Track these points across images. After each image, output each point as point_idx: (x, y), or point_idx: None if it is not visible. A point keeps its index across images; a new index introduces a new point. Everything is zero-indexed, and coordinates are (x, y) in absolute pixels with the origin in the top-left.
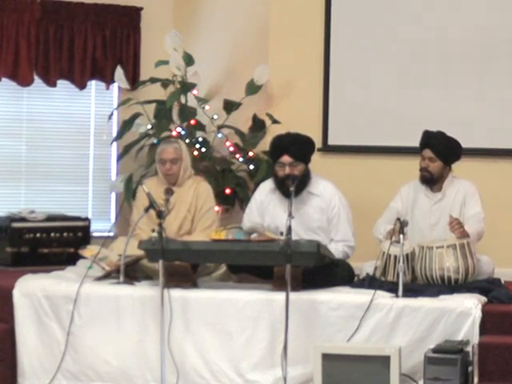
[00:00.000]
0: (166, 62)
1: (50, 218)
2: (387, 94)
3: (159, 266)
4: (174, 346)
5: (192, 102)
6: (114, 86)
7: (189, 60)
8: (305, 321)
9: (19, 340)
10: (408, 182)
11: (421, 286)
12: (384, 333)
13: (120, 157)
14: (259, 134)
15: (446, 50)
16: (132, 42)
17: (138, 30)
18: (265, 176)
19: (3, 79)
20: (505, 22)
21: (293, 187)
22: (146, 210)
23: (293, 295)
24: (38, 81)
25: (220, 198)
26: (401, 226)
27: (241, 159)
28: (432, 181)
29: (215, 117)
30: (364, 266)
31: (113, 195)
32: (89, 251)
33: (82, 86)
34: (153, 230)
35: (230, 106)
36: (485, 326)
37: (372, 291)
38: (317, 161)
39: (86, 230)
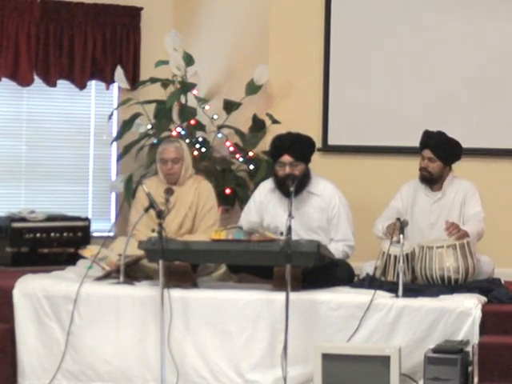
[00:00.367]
0: (166, 62)
1: (50, 218)
2: (387, 94)
3: (159, 265)
4: (173, 345)
5: (192, 102)
6: (114, 86)
7: (189, 60)
8: (305, 321)
9: (19, 340)
10: (408, 181)
11: (421, 285)
12: (384, 333)
13: (120, 157)
14: (259, 134)
15: (446, 49)
16: (132, 42)
17: (138, 30)
18: (265, 176)
19: (3, 79)
20: None
21: (293, 187)
22: (146, 209)
23: (293, 295)
24: (37, 81)
25: (220, 198)
26: (401, 225)
27: (241, 159)
28: (432, 181)
29: (215, 117)
30: (364, 266)
31: (113, 195)
32: (89, 251)
33: (81, 85)
34: (153, 230)
35: (229, 106)
36: (485, 326)
37: (372, 291)
38: (317, 161)
39: (86, 230)
